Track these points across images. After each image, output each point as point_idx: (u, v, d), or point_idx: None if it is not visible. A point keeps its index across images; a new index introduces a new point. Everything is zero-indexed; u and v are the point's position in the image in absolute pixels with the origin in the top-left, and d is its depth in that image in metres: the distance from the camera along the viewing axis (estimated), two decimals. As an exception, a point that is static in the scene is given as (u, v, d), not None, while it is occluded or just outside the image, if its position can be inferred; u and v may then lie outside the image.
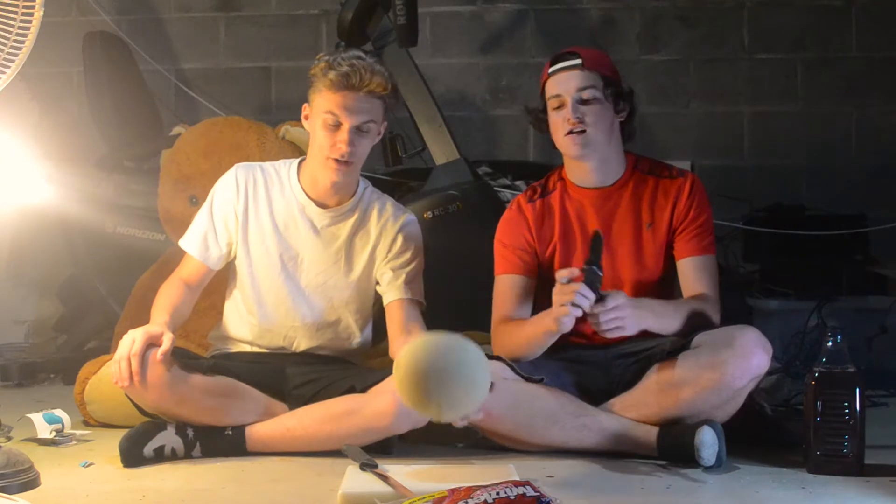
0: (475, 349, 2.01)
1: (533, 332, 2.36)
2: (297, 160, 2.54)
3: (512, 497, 1.70)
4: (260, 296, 2.50)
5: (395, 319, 2.47)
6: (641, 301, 2.29)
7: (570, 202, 2.51)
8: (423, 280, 2.58)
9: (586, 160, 2.46)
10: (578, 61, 2.43)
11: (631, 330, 2.23)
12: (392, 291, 2.49)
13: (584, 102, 2.41)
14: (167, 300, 2.44)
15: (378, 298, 2.57)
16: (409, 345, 2.04)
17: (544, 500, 1.70)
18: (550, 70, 2.47)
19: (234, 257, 2.52)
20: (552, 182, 2.56)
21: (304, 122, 2.49)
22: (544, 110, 2.50)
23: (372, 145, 2.46)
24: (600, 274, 2.19)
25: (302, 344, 2.51)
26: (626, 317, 2.19)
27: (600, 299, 2.18)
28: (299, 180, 2.51)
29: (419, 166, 3.52)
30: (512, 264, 2.51)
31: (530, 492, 1.71)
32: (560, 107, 2.44)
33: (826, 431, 2.12)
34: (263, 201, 2.50)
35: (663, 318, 2.32)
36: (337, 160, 2.39)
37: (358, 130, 2.38)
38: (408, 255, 2.51)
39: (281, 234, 2.48)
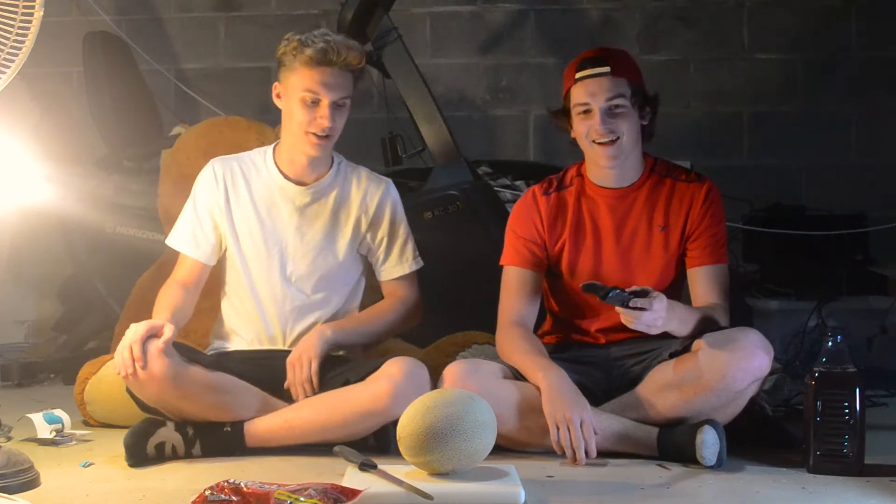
0: (481, 412, 2.02)
1: (523, 371, 2.37)
2: (272, 145, 2.58)
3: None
4: (252, 282, 2.52)
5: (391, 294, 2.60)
6: (673, 304, 2.27)
7: (585, 200, 2.50)
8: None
9: (615, 168, 2.44)
10: (607, 69, 2.36)
11: (658, 330, 2.21)
12: (387, 270, 2.57)
13: (613, 111, 2.37)
14: (166, 301, 2.45)
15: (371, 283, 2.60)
16: (417, 403, 2.05)
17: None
18: (577, 75, 2.39)
19: (226, 249, 2.54)
20: (569, 177, 2.53)
21: (275, 100, 2.51)
22: (566, 112, 2.45)
23: (344, 120, 2.48)
24: (621, 291, 2.16)
25: (296, 328, 2.51)
26: (661, 318, 2.18)
27: (642, 294, 2.17)
28: (276, 163, 2.54)
29: (419, 166, 3.51)
30: (522, 257, 2.50)
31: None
32: (586, 113, 2.39)
33: (826, 431, 2.11)
34: (243, 188, 2.54)
35: (684, 324, 2.31)
36: (317, 135, 2.43)
37: (335, 105, 2.42)
38: (390, 225, 2.56)
39: (264, 218, 2.52)
